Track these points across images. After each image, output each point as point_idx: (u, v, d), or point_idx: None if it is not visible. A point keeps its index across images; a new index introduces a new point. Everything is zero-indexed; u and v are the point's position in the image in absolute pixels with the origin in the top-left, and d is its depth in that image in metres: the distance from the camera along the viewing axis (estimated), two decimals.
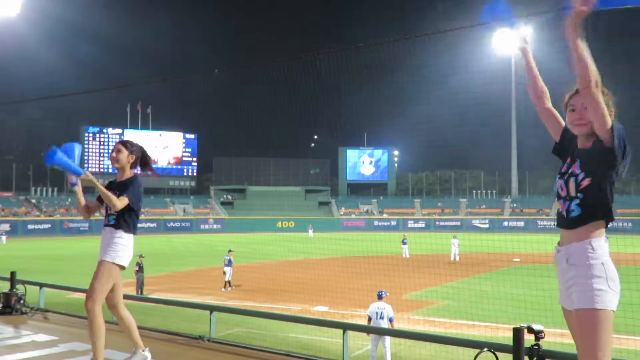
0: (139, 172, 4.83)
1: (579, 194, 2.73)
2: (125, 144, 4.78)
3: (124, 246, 4.53)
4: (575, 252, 2.71)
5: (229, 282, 21.08)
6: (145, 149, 4.92)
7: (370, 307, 11.02)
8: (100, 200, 4.72)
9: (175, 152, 79.33)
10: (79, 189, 4.60)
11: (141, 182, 4.73)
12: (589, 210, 2.71)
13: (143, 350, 4.80)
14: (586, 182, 2.72)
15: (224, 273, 21.09)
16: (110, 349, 5.45)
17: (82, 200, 4.70)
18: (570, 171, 2.78)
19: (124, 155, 4.70)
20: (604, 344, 2.56)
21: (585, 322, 2.61)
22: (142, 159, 4.83)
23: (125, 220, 4.56)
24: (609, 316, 2.58)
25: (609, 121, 2.64)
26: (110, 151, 4.84)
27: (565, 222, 2.77)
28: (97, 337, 4.38)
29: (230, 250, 21.88)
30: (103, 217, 4.75)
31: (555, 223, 2.86)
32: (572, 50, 2.59)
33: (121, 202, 4.47)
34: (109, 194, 4.45)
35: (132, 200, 4.55)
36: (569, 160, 2.84)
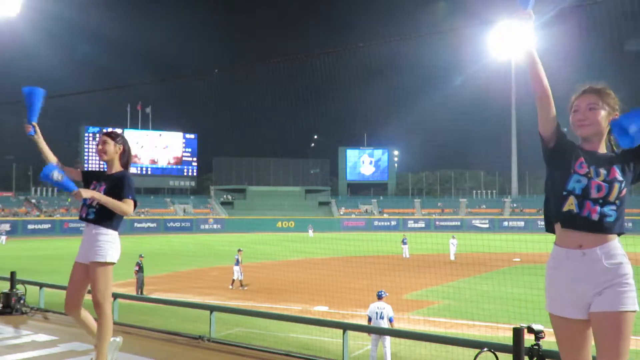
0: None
1: (617, 201, 2.71)
2: (110, 134, 4.58)
3: (111, 243, 4.36)
4: (614, 253, 2.68)
5: (241, 281, 21.18)
6: (129, 145, 4.69)
7: (370, 307, 11.03)
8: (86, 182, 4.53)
9: (175, 152, 79.31)
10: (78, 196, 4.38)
11: (130, 174, 4.55)
12: (621, 217, 2.73)
13: (114, 340, 4.63)
14: (625, 190, 2.74)
15: (234, 272, 21.26)
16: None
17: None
18: (613, 177, 2.71)
19: (111, 146, 4.49)
20: (629, 344, 2.61)
21: (623, 323, 2.59)
22: (128, 151, 4.63)
23: (107, 215, 4.34)
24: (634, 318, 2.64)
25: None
26: (96, 145, 4.63)
27: (596, 226, 2.67)
28: (105, 338, 4.31)
29: (239, 250, 21.95)
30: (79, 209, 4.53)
31: (567, 223, 2.72)
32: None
33: (129, 206, 4.30)
34: (115, 202, 4.26)
35: (132, 198, 4.39)
36: (581, 159, 2.75)
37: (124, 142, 4.60)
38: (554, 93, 2.89)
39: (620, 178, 2.71)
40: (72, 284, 4.45)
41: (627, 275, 2.65)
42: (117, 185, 4.37)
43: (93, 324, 4.53)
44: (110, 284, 4.42)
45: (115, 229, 4.43)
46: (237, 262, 21.22)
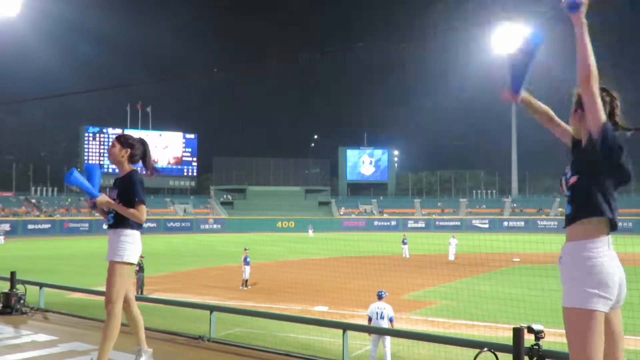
0: (139, 168, 4.74)
1: (568, 192, 2.76)
2: (118, 138, 4.69)
3: (130, 244, 4.51)
4: (566, 252, 2.73)
5: (246, 281, 21.20)
6: (147, 145, 4.78)
7: (370, 307, 11.03)
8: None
9: (175, 152, 79.30)
10: (99, 210, 4.66)
11: (139, 175, 4.62)
12: (578, 208, 2.71)
13: (147, 349, 4.80)
14: (573, 179, 2.74)
15: (244, 272, 21.35)
16: (115, 350, 5.46)
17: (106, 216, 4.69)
18: (565, 170, 2.81)
19: (116, 150, 4.60)
20: (586, 344, 2.57)
21: (567, 321, 2.66)
22: (144, 154, 4.71)
23: (123, 218, 4.50)
24: (591, 316, 2.58)
25: (602, 117, 2.64)
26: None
27: (564, 221, 2.78)
28: (110, 338, 4.36)
29: (245, 249, 21.95)
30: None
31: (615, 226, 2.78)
32: (578, 42, 2.65)
33: (141, 213, 4.46)
34: (128, 211, 4.43)
35: (140, 199, 4.49)
36: None
37: (137, 147, 4.67)
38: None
39: (567, 170, 2.83)
40: None
41: (574, 275, 2.70)
42: (126, 189, 4.52)
43: (140, 326, 4.70)
44: (125, 284, 4.50)
45: (136, 228, 4.56)
46: (247, 262, 21.26)
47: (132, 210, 4.43)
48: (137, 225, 4.57)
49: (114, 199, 4.52)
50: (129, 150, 4.62)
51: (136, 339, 4.76)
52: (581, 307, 2.60)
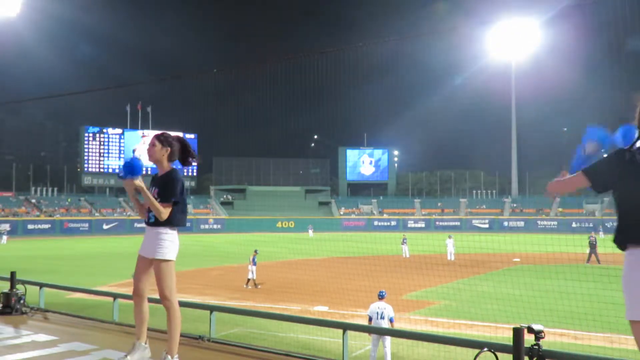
0: (179, 166, 4.86)
1: None
2: (158, 137, 4.80)
3: (170, 242, 4.66)
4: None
5: (250, 280, 21.23)
6: (186, 142, 4.91)
7: (371, 307, 11.02)
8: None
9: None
10: (137, 206, 4.84)
11: (179, 174, 4.75)
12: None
13: (145, 343, 4.86)
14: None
15: (251, 272, 21.39)
16: (110, 349, 5.46)
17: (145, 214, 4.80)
18: None
19: (157, 149, 4.71)
20: None
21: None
22: (182, 152, 4.81)
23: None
24: None
25: None
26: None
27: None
28: (176, 329, 4.62)
29: (255, 251, 21.96)
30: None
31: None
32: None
33: (164, 213, 4.56)
34: (156, 205, 4.54)
35: (175, 200, 4.61)
36: None
37: (175, 144, 4.78)
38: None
39: None
40: (136, 274, 4.81)
41: None
42: (165, 187, 4.64)
43: (144, 321, 4.82)
44: (174, 278, 4.71)
45: (174, 227, 4.70)
46: (255, 262, 21.29)
47: (159, 205, 4.55)
48: (177, 224, 4.69)
49: (155, 197, 4.62)
50: (169, 149, 4.74)
51: (137, 331, 4.86)
52: None
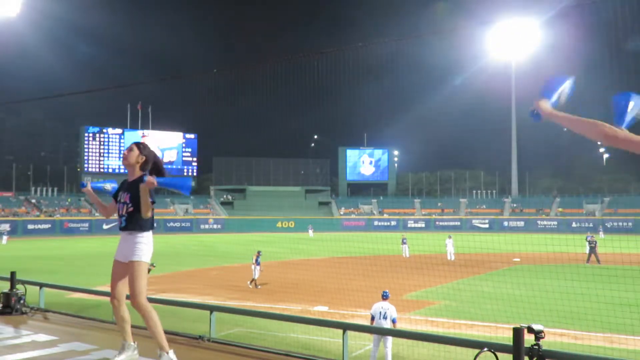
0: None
1: None
2: (138, 144, 4.97)
3: (146, 244, 4.77)
4: None
5: (255, 281, 21.24)
6: (161, 163, 5.07)
7: (374, 307, 11.00)
8: (115, 200, 4.98)
9: (175, 152, 79.30)
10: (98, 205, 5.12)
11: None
12: None
13: (133, 342, 4.96)
14: None
15: (254, 271, 21.44)
16: (110, 349, 5.46)
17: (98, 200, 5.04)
18: None
19: (134, 155, 4.87)
20: None
21: None
22: (155, 166, 4.96)
23: (136, 219, 4.75)
24: None
25: None
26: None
27: None
28: (156, 326, 4.64)
29: (258, 251, 21.94)
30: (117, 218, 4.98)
31: None
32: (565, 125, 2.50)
33: (150, 211, 4.73)
34: (146, 202, 4.64)
35: (153, 201, 4.73)
36: None
37: (150, 156, 4.94)
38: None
39: None
40: (113, 280, 4.89)
41: None
42: (132, 189, 4.78)
43: (127, 323, 4.91)
44: (146, 279, 4.78)
45: (147, 230, 4.82)
46: (258, 262, 21.30)
47: (149, 204, 4.69)
48: (150, 227, 4.83)
49: (127, 202, 4.78)
50: (144, 157, 4.89)
51: (122, 333, 4.94)
52: None
